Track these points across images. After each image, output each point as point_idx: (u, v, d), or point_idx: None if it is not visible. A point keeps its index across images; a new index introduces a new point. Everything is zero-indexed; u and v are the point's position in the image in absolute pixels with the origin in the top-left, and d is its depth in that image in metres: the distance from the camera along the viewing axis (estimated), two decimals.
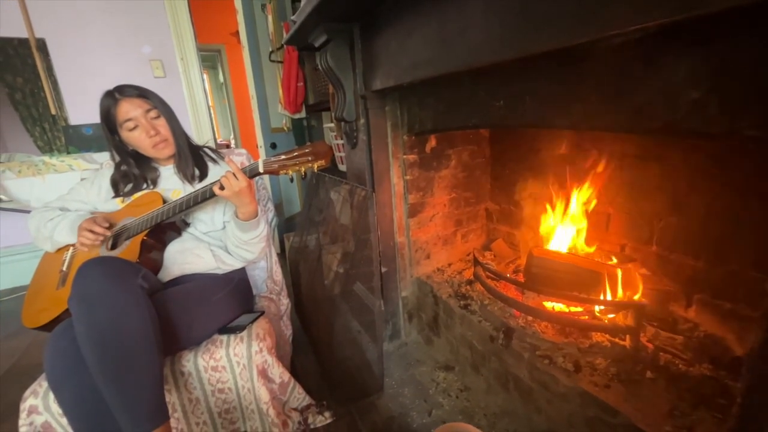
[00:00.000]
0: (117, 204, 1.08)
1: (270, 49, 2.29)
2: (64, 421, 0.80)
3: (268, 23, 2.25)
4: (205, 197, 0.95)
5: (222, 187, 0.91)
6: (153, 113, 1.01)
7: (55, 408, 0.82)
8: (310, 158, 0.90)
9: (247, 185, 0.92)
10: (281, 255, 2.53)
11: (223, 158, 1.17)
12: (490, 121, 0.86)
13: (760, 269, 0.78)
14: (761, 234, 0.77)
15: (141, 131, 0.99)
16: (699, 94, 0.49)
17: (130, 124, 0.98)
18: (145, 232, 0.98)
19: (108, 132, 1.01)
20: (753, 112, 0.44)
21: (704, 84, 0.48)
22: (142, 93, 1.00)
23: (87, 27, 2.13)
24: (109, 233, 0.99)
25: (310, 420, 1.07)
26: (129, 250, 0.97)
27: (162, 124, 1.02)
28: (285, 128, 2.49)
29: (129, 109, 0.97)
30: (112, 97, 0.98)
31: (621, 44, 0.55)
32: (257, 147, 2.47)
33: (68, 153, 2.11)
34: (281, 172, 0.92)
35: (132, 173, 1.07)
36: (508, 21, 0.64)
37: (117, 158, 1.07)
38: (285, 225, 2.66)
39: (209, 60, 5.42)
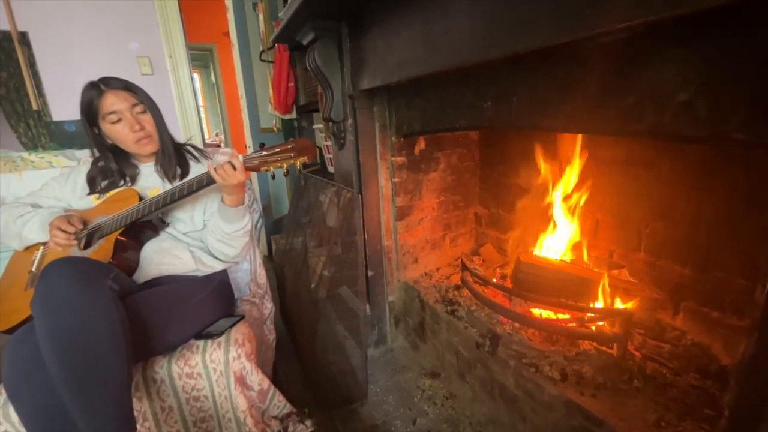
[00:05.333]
0: (92, 201, 1.04)
1: (261, 49, 2.26)
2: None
3: (260, 22, 2.22)
4: (183, 194, 0.92)
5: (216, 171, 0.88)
6: (139, 108, 0.98)
7: (16, 417, 0.77)
8: (292, 154, 0.88)
9: (245, 180, 0.91)
10: (268, 257, 2.48)
11: (206, 157, 1.14)
12: (477, 122, 0.84)
13: (747, 277, 0.77)
14: (748, 241, 0.76)
15: (124, 125, 0.96)
16: (687, 95, 0.48)
17: (113, 117, 0.95)
18: (120, 230, 0.94)
19: (87, 124, 0.98)
20: (741, 113, 0.43)
21: (692, 85, 0.47)
22: (127, 86, 0.98)
23: (71, 20, 2.07)
24: (81, 232, 0.94)
25: (290, 429, 1.03)
26: (102, 249, 0.93)
27: (147, 119, 1.00)
28: (275, 129, 2.46)
29: (114, 102, 0.94)
30: (97, 88, 0.94)
31: (608, 44, 0.54)
32: (245, 147, 2.43)
33: (50, 149, 2.04)
34: (262, 168, 0.89)
35: (110, 168, 1.04)
36: (491, 19, 0.63)
37: (96, 153, 1.03)
38: (273, 227, 2.61)
39: (201, 59, 5.37)
